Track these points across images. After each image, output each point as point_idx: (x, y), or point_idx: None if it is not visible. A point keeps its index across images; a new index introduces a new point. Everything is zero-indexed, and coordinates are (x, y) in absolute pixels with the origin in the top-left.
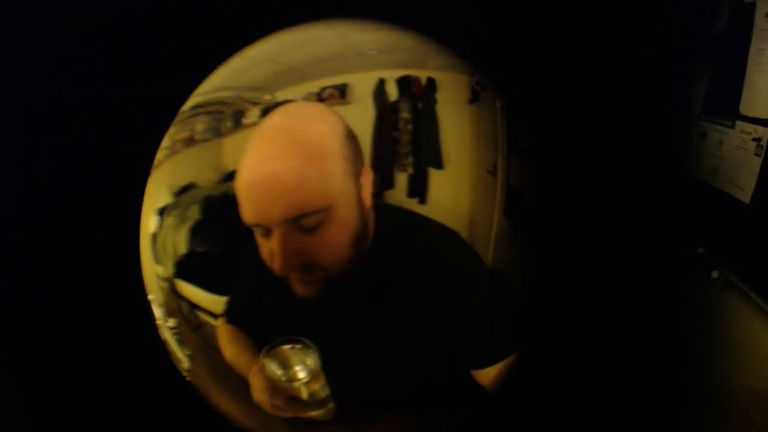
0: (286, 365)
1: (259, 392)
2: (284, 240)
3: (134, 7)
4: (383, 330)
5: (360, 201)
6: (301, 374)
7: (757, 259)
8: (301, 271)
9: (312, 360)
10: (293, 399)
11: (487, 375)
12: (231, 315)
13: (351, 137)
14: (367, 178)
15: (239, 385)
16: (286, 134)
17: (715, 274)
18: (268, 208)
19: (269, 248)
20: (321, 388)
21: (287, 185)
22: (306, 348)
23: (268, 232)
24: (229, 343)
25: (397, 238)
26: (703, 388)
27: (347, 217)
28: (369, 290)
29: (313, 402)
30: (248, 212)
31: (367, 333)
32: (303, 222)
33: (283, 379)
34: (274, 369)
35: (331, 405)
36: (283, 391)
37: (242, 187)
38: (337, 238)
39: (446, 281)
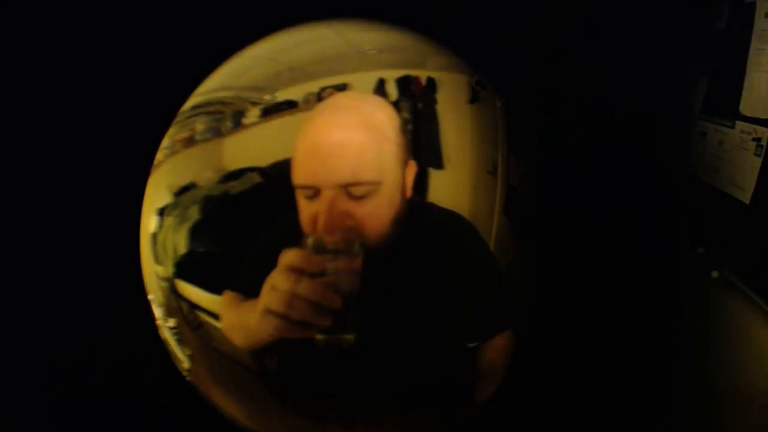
0: (321, 246)
1: (270, 291)
2: (332, 201)
3: (134, 7)
4: (384, 329)
5: (404, 188)
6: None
7: (757, 259)
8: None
9: (357, 247)
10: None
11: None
12: (237, 285)
13: (405, 131)
14: (411, 171)
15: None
16: (354, 110)
17: (715, 274)
18: (326, 170)
19: (313, 210)
20: (352, 289)
21: (350, 153)
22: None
23: (316, 194)
24: (229, 308)
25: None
26: (703, 388)
27: (392, 196)
28: (374, 289)
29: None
30: (304, 172)
31: (369, 332)
32: (353, 190)
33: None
34: (310, 244)
35: (351, 336)
36: (313, 265)
37: (305, 147)
38: (381, 211)
39: (451, 277)
